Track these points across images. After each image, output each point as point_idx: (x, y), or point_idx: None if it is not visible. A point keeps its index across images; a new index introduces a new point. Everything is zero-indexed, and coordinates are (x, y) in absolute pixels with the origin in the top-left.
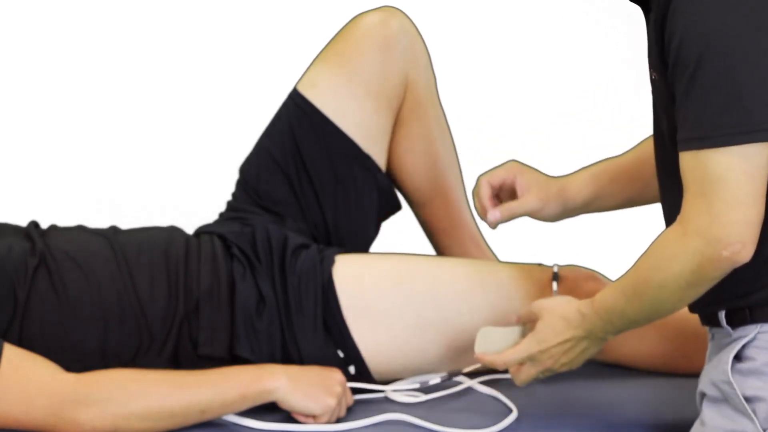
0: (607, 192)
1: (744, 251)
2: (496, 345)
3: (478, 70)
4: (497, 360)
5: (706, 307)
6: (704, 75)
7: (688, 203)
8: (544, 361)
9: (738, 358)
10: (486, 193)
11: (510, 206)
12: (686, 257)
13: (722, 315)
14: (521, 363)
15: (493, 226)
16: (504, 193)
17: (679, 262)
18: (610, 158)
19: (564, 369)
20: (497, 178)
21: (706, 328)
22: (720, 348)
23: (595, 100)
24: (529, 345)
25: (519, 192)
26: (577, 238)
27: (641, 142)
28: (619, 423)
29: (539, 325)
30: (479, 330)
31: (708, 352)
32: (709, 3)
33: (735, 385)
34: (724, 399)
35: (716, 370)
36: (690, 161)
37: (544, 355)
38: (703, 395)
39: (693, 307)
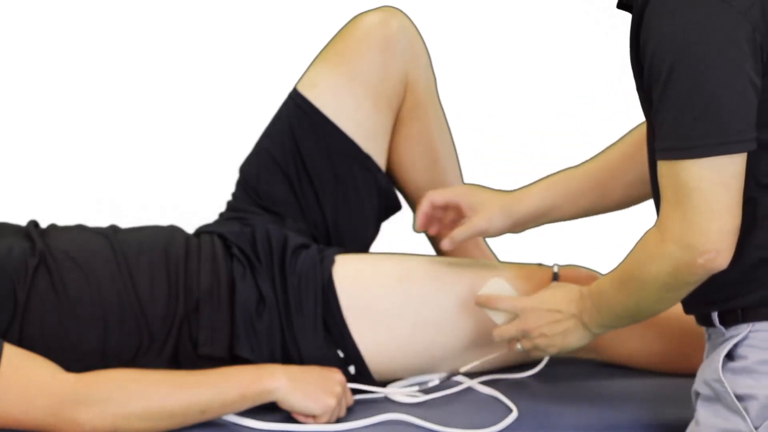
0: (560, 203)
1: (719, 259)
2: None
3: (478, 70)
4: (491, 300)
5: (699, 308)
6: (676, 86)
7: (664, 211)
8: (529, 319)
9: (730, 356)
10: (423, 209)
11: (453, 235)
12: (663, 261)
13: (715, 315)
14: (511, 319)
15: (446, 249)
16: (450, 214)
17: (657, 265)
18: (568, 168)
19: (541, 342)
20: (441, 198)
21: (703, 328)
22: (715, 347)
23: (595, 100)
24: (524, 300)
25: (465, 214)
26: (577, 238)
27: (600, 153)
28: (619, 423)
29: (544, 290)
30: (493, 278)
31: (705, 352)
32: (681, 13)
33: (726, 384)
34: (717, 398)
35: (709, 369)
36: (666, 170)
37: (533, 313)
38: (697, 394)
39: (687, 309)
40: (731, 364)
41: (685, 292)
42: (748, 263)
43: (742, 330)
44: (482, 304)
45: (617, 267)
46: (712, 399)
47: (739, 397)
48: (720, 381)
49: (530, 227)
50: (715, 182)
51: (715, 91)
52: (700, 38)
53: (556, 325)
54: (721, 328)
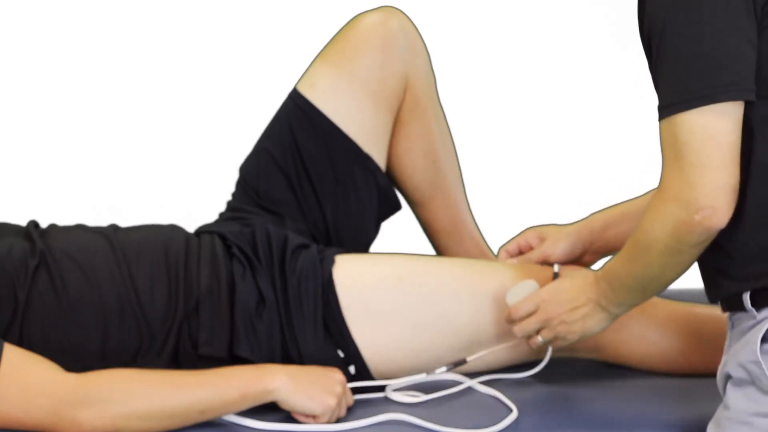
0: (608, 220)
1: (715, 216)
2: (520, 296)
3: (478, 70)
4: (513, 312)
5: (731, 288)
6: (668, 43)
7: (663, 170)
8: (548, 309)
9: (763, 339)
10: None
11: (525, 257)
12: (663, 221)
13: (747, 297)
14: (531, 314)
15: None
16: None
17: (658, 226)
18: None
19: (561, 329)
20: (513, 246)
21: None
22: (742, 333)
23: (596, 99)
24: (541, 292)
25: (534, 245)
26: None
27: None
28: (620, 423)
29: (559, 278)
30: (526, 281)
31: (728, 341)
32: None
33: (764, 366)
34: (751, 381)
35: (744, 350)
36: (663, 130)
37: (551, 303)
38: (728, 377)
39: (716, 294)
40: (765, 347)
41: (689, 257)
42: None
43: None
44: (510, 320)
45: (629, 238)
46: (745, 382)
47: None
48: (758, 363)
49: (593, 252)
50: (704, 136)
51: (706, 46)
52: None
53: (575, 312)
54: (753, 310)
